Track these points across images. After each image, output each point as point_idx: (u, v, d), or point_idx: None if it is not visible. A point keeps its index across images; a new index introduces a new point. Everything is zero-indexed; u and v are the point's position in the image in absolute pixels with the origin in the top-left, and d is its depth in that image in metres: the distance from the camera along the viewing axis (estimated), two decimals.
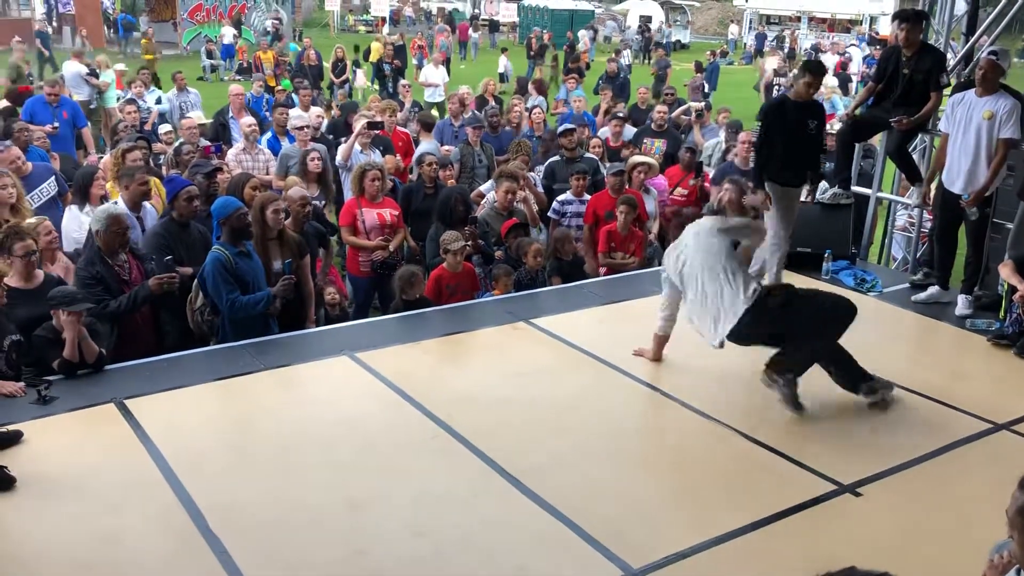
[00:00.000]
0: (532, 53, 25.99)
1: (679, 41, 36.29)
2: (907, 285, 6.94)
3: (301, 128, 8.46)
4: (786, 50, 27.72)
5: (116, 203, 5.95)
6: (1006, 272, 5.83)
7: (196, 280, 5.35)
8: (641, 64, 29.00)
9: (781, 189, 6.23)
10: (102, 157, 8.04)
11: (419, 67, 20.42)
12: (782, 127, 6.13)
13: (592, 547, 3.64)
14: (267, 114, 10.35)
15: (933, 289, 6.60)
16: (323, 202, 7.63)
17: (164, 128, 10.02)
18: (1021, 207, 6.29)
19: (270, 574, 3.43)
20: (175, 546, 3.58)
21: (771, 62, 20.99)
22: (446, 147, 9.31)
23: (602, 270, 7.39)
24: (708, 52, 24.35)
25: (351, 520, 3.79)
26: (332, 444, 4.38)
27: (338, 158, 8.37)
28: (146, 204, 6.17)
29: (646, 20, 36.92)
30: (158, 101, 12.42)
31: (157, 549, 3.55)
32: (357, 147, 8.25)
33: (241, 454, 4.33)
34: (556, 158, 8.59)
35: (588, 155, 8.69)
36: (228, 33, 26.44)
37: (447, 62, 21.02)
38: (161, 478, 4.00)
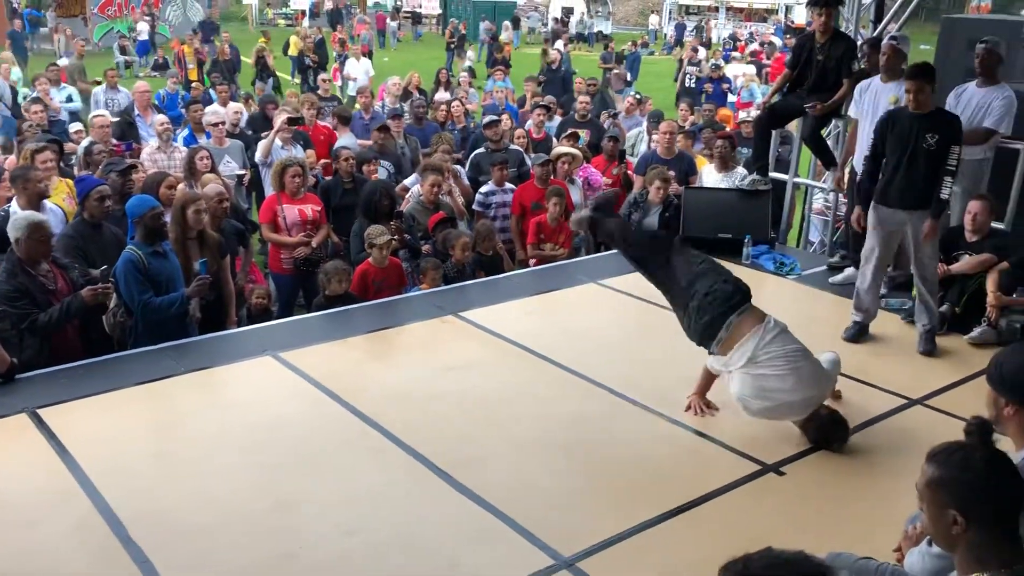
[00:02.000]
0: (452, 45, 25.90)
1: (601, 32, 36.55)
2: (824, 267, 7.12)
3: (215, 125, 8.26)
4: (704, 39, 28.17)
5: (9, 207, 5.71)
6: None
7: None
8: None
9: (880, 211, 5.62)
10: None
11: (342, 61, 20.15)
12: (894, 140, 5.47)
13: (524, 538, 3.64)
14: (183, 111, 10.08)
15: (849, 270, 6.77)
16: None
17: (75, 127, 9.70)
18: None
19: None
20: (94, 558, 3.46)
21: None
22: (361, 140, 9.22)
23: (532, 261, 7.41)
24: (629, 42, 24.60)
25: (280, 522, 3.72)
26: (257, 446, 4.29)
27: (258, 155, 8.21)
28: (47, 204, 5.93)
29: (567, 11, 37.07)
30: (68, 99, 12.04)
31: (75, 562, 3.43)
32: (278, 143, 8.11)
33: (162, 460, 4.21)
34: (481, 150, 8.58)
35: (513, 147, 8.70)
36: (143, 29, 25.67)
37: (369, 55, 20.78)
38: (78, 488, 3.87)
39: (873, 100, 6.32)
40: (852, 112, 6.58)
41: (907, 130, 5.42)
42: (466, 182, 8.18)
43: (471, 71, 16.99)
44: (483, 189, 7.84)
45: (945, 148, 5.34)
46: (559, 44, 23.14)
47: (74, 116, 11.40)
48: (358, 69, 16.59)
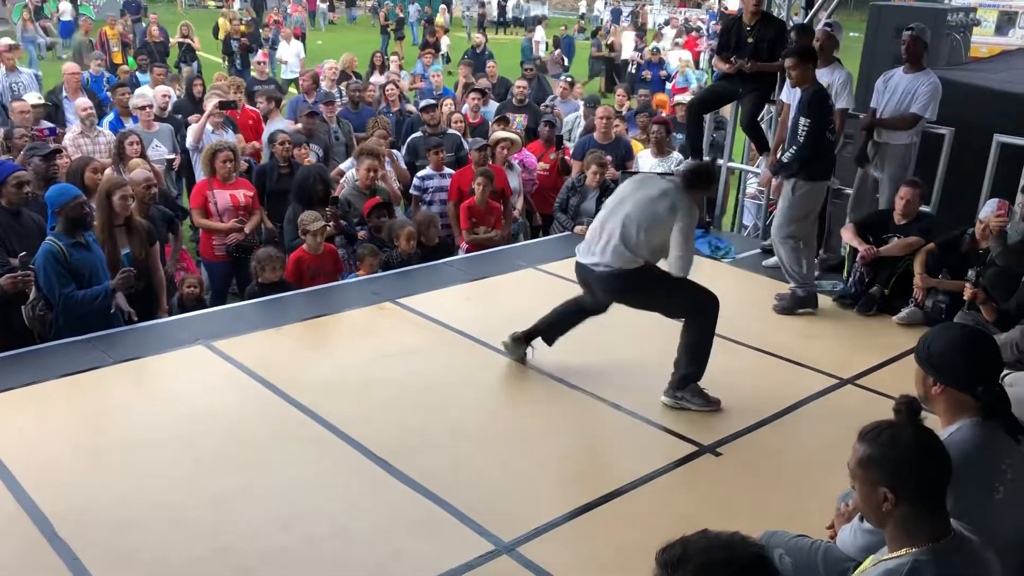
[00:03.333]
0: (388, 28, 25.58)
1: (537, 16, 36.41)
2: (758, 251, 7.23)
3: (142, 108, 8.02)
4: (639, 25, 28.29)
5: None
6: (847, 235, 6.17)
7: None
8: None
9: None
10: None
11: (276, 43, 19.77)
12: None
13: (465, 524, 3.63)
14: (108, 94, 9.75)
15: None
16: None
17: None
18: (859, 174, 6.64)
19: None
20: (19, 556, 3.34)
21: (627, 38, 21.39)
22: (298, 124, 9.03)
23: (465, 246, 7.36)
24: (562, 27, 24.59)
25: (214, 516, 3.64)
26: (190, 439, 4.19)
27: (188, 139, 8.00)
28: None
29: None
30: None
31: None
32: (209, 127, 7.91)
33: (90, 454, 4.08)
34: (418, 134, 8.50)
35: (450, 131, 8.63)
36: (66, 9, 24.77)
37: (302, 37, 20.40)
38: (0, 485, 3.73)
39: None
40: (784, 97, 6.68)
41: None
42: (403, 166, 8.10)
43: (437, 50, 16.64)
44: (420, 173, 7.76)
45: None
46: (540, 30, 23.04)
47: None
48: (289, 52, 16.27)
